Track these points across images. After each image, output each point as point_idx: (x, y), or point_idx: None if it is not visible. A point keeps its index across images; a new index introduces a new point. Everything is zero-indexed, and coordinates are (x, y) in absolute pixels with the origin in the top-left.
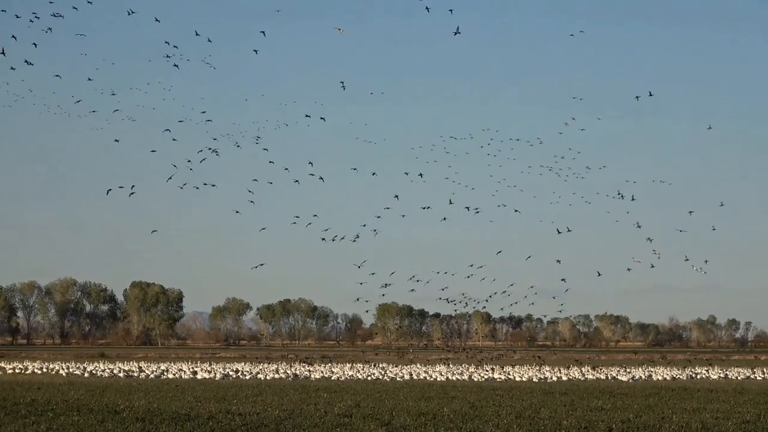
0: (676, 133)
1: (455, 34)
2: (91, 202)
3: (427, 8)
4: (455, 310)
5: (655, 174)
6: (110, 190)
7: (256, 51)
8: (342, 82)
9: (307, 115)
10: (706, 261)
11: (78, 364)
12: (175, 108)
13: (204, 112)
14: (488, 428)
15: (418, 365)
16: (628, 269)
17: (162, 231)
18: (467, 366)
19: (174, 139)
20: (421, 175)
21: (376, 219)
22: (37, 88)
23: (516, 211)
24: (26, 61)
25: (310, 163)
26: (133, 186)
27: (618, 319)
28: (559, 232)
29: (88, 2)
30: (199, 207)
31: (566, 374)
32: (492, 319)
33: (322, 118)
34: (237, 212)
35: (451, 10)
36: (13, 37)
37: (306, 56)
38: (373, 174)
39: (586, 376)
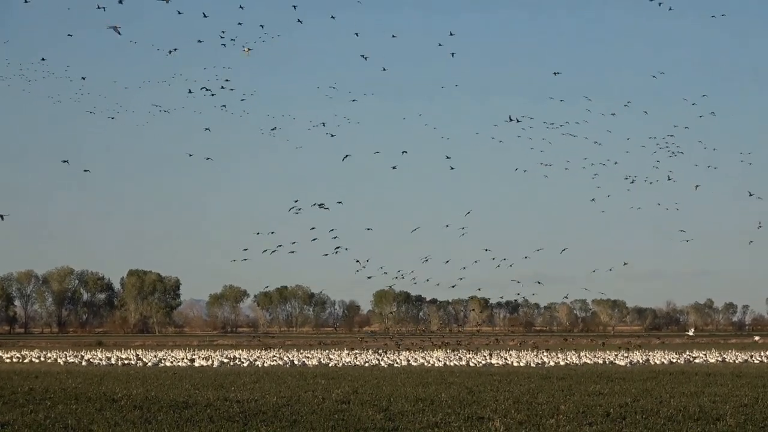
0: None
1: None
2: (88, 190)
3: None
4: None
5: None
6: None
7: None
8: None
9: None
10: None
11: (75, 353)
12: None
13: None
14: (486, 413)
15: (416, 352)
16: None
17: (159, 219)
18: (465, 352)
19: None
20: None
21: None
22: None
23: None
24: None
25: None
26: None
27: (615, 303)
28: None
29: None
30: (197, 194)
31: (563, 359)
32: (489, 304)
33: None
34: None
35: None
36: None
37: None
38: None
39: (583, 361)
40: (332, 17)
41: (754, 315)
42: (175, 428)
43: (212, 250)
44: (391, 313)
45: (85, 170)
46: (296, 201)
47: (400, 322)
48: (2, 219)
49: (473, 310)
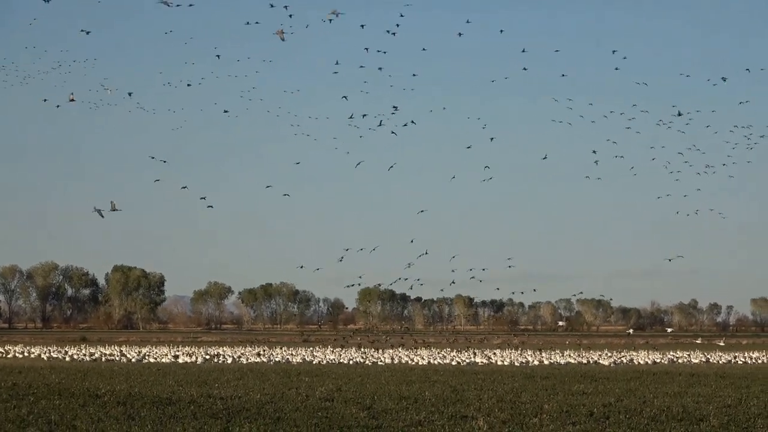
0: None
1: None
2: (72, 186)
3: None
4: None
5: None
6: None
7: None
8: None
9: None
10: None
11: (59, 348)
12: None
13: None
14: (470, 412)
15: (400, 349)
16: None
17: (143, 215)
18: (449, 350)
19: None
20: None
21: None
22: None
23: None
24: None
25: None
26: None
27: (600, 303)
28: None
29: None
30: (180, 192)
31: (547, 358)
32: (474, 303)
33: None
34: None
35: None
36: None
37: None
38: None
39: (567, 360)
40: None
41: (738, 316)
42: (159, 425)
43: (197, 247)
44: (377, 310)
45: (163, 160)
46: (286, 195)
47: (384, 320)
48: (101, 216)
49: (456, 313)
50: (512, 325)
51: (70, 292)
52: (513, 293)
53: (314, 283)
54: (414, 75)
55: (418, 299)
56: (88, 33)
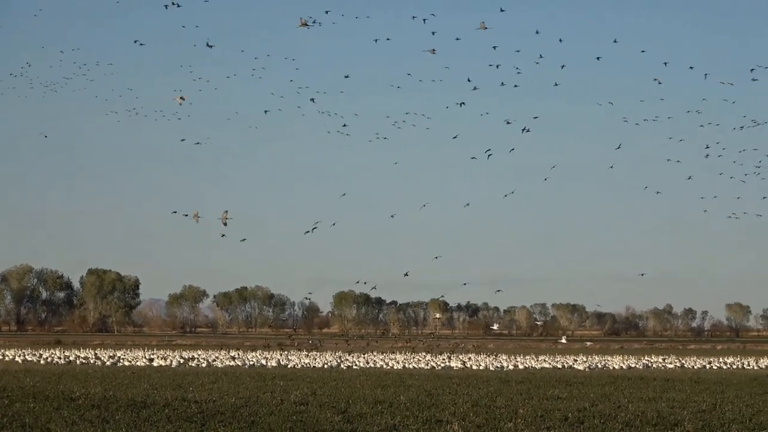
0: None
1: None
2: (47, 189)
3: None
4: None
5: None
6: None
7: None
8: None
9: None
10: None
11: (34, 351)
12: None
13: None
14: (444, 416)
15: (375, 353)
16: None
17: (118, 218)
18: (424, 354)
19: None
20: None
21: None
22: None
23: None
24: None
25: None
26: None
27: (575, 308)
28: None
29: None
30: (156, 194)
31: (522, 362)
32: (449, 307)
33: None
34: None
35: None
36: None
37: None
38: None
39: (542, 365)
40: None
41: (713, 321)
42: (133, 428)
43: (172, 250)
44: (353, 314)
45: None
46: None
47: (359, 324)
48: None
49: (437, 317)
50: (487, 329)
51: (44, 295)
52: (461, 285)
53: (289, 286)
54: (409, 74)
55: (394, 303)
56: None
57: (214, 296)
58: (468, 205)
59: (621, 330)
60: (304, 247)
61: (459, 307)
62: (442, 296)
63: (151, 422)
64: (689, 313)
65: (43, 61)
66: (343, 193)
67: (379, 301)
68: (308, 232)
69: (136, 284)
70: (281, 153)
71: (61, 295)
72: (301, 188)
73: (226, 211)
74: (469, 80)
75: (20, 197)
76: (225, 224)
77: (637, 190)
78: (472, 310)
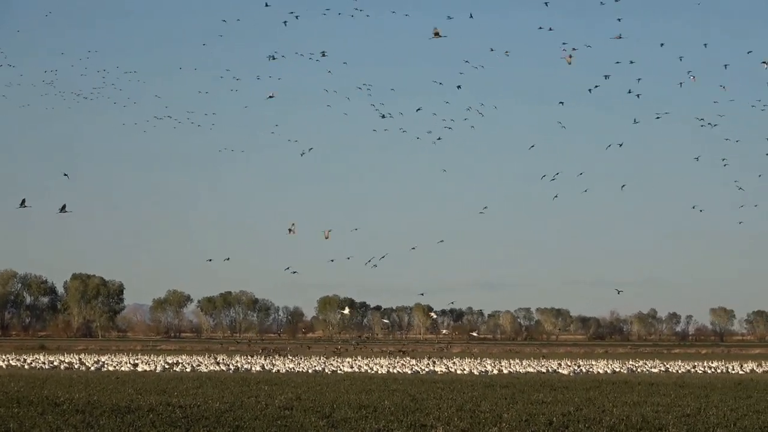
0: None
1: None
2: (30, 193)
3: None
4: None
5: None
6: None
7: None
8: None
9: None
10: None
11: (18, 356)
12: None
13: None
14: (429, 421)
15: (360, 358)
16: None
17: (102, 223)
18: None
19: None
20: None
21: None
22: None
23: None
24: None
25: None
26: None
27: (559, 312)
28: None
29: None
30: (141, 199)
31: (507, 367)
32: (433, 311)
33: None
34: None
35: None
36: None
37: None
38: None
39: (526, 369)
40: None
41: (697, 325)
42: None
43: (156, 255)
44: (337, 318)
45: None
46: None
47: (344, 329)
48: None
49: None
50: (471, 333)
51: (28, 300)
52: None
53: (274, 291)
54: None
55: (378, 308)
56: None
57: (198, 301)
58: (485, 208)
59: (605, 334)
60: (289, 251)
61: (443, 312)
62: (422, 293)
63: (136, 427)
64: (673, 317)
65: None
66: (355, 227)
67: (364, 305)
68: (368, 262)
69: (120, 289)
70: (263, 158)
71: (45, 300)
72: (285, 192)
73: (294, 223)
74: (441, 83)
75: (2, 202)
76: (293, 232)
77: (621, 194)
78: (456, 315)
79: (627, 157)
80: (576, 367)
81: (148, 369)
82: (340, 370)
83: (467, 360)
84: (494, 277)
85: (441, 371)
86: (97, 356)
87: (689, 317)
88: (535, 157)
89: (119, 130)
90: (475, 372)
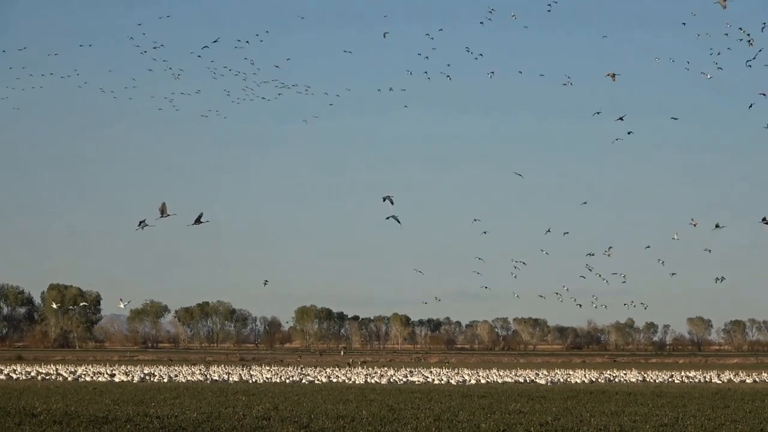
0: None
1: None
2: (6, 204)
3: None
4: None
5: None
6: None
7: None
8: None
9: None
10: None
11: None
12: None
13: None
14: (407, 431)
15: (337, 368)
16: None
17: (80, 233)
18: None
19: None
20: None
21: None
22: None
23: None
24: None
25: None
26: None
27: (536, 322)
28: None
29: None
30: (117, 209)
31: (484, 377)
32: (411, 322)
33: None
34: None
35: None
36: None
37: None
38: None
39: (504, 379)
40: None
41: (674, 335)
42: None
43: (134, 265)
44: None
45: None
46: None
47: (321, 339)
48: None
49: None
50: (449, 344)
51: (5, 310)
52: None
53: (251, 301)
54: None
55: (356, 318)
56: None
57: (176, 311)
58: (476, 221)
59: (583, 344)
60: (266, 262)
61: (421, 322)
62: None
63: None
64: (651, 327)
65: None
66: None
67: (341, 316)
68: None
69: (98, 299)
70: (241, 169)
71: (22, 310)
72: (263, 204)
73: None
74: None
75: None
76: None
77: (599, 202)
78: (434, 324)
79: (607, 165)
80: (553, 377)
81: (125, 379)
82: (317, 380)
83: (444, 370)
84: (472, 288)
85: (419, 381)
86: (74, 367)
87: (666, 327)
88: (521, 164)
89: (96, 138)
90: (453, 382)
